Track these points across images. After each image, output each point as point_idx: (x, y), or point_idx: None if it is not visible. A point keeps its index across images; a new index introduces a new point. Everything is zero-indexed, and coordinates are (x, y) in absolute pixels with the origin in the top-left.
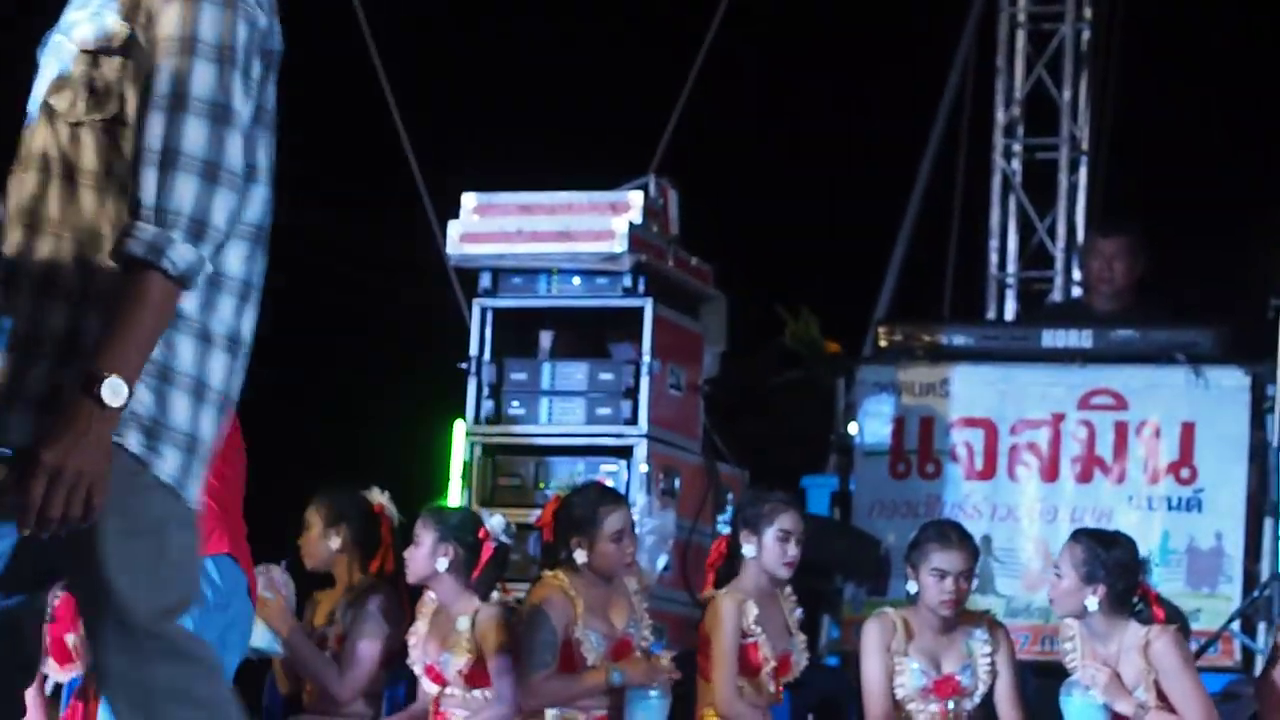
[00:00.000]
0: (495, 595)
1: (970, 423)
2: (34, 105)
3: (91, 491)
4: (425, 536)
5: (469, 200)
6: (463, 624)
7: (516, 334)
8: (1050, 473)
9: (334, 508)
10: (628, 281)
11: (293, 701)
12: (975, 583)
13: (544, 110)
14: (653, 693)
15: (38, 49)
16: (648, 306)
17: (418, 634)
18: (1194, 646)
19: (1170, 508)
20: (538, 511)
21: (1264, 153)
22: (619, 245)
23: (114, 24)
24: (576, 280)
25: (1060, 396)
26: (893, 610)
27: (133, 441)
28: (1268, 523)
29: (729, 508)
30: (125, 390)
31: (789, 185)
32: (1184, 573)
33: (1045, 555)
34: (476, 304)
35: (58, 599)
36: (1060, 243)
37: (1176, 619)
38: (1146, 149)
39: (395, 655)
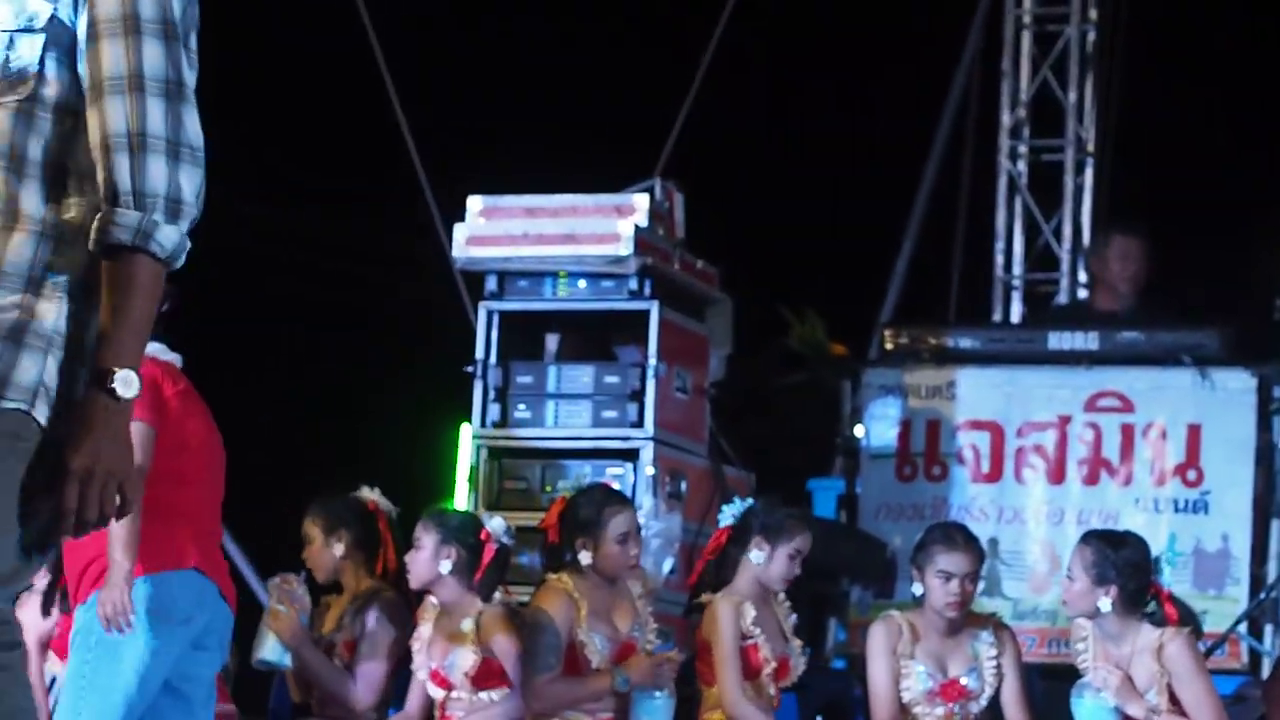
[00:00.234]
0: (498, 596)
1: (976, 425)
2: None
3: (124, 488)
4: (426, 539)
5: (475, 203)
6: (467, 625)
7: (522, 337)
8: (1057, 475)
9: (330, 516)
10: (633, 284)
11: (300, 707)
12: (981, 585)
13: (549, 112)
14: (658, 694)
15: None
16: (653, 309)
17: (421, 639)
18: (1202, 648)
19: (1177, 510)
20: (544, 515)
21: (1269, 154)
22: (625, 248)
23: (35, 3)
24: (582, 283)
25: (1066, 399)
26: (898, 613)
27: (41, 415)
28: (1274, 524)
29: (736, 500)
30: (136, 380)
31: (794, 188)
32: (1190, 575)
33: (1052, 558)
34: (482, 307)
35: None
36: (1066, 244)
37: (1189, 619)
38: (1152, 150)
39: (405, 659)
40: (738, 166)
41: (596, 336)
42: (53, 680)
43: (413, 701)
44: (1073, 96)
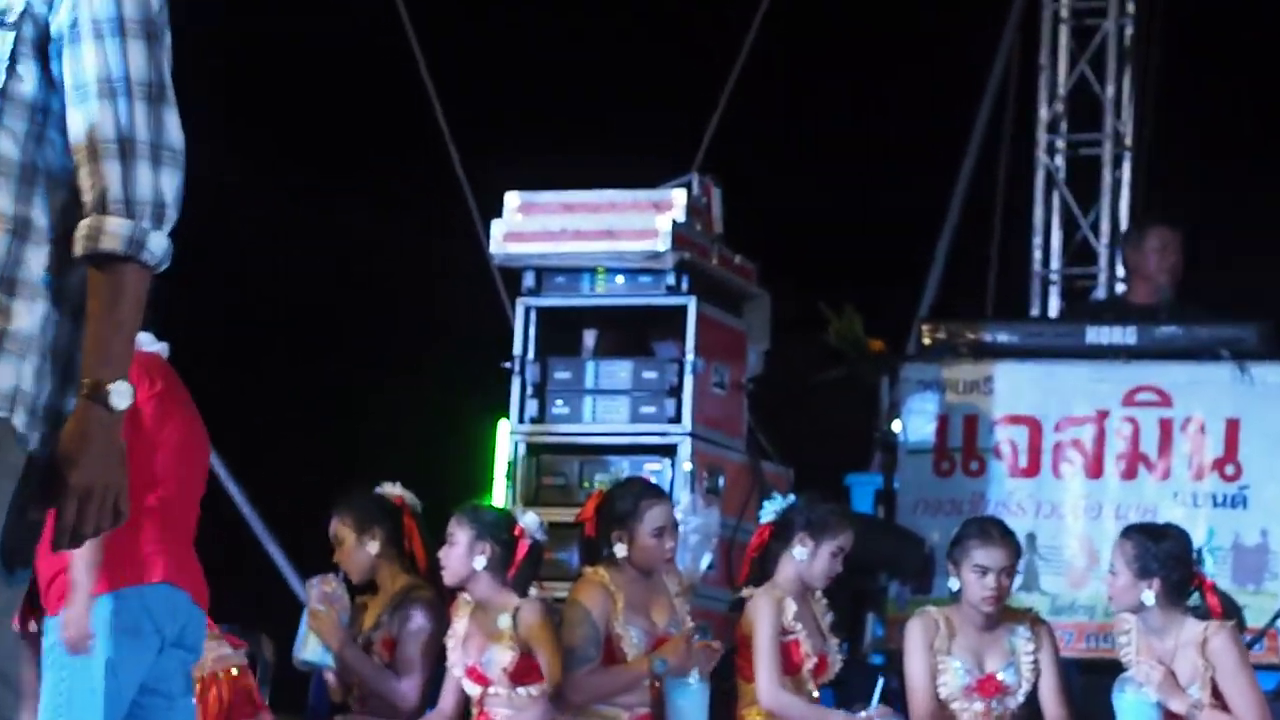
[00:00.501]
0: (534, 592)
1: (1014, 420)
2: None
3: (118, 500)
4: (460, 535)
5: (512, 199)
6: (504, 621)
7: (560, 333)
8: (1095, 470)
9: (361, 515)
10: (671, 280)
11: (339, 706)
12: (1019, 580)
13: (587, 109)
14: (692, 679)
15: None
16: (691, 305)
17: (456, 635)
18: None
19: (1215, 504)
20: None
21: None
22: (662, 244)
23: None
24: (620, 279)
25: (1105, 393)
26: (935, 609)
27: (19, 422)
28: None
29: (776, 496)
30: (130, 391)
31: (832, 182)
32: (1229, 569)
33: (1090, 552)
34: (520, 303)
35: None
36: (1104, 239)
37: (1233, 611)
38: (1189, 144)
39: (440, 657)
40: (775, 161)
41: (634, 332)
42: None
43: (447, 699)
44: (1110, 90)
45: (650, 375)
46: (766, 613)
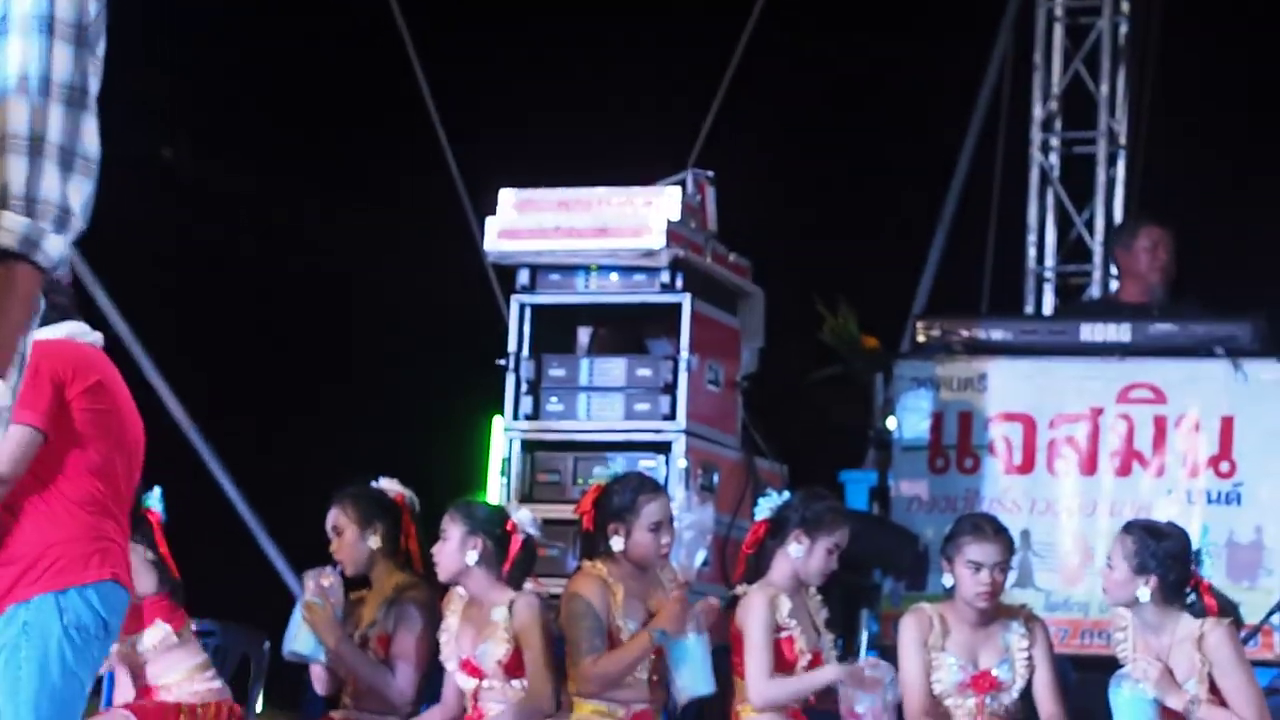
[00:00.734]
0: (528, 586)
1: (1009, 417)
2: None
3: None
4: (453, 531)
5: (507, 196)
6: (498, 614)
7: (554, 330)
8: (1089, 467)
9: (364, 508)
10: (665, 277)
11: (330, 700)
12: (1014, 576)
13: (582, 105)
14: (689, 636)
15: None
16: (686, 302)
17: (449, 630)
18: None
19: (1210, 501)
20: (575, 507)
21: None
22: (657, 241)
23: None
24: (614, 276)
25: (1099, 390)
26: (929, 605)
27: None
28: None
29: (771, 493)
30: (5, 390)
31: (827, 180)
32: (1224, 566)
33: (1084, 549)
34: (514, 300)
35: None
36: (1098, 236)
37: (1229, 610)
38: (1184, 142)
39: (435, 654)
40: (770, 158)
41: (628, 329)
42: None
43: (448, 694)
44: (1105, 89)
45: (645, 372)
46: (760, 610)
